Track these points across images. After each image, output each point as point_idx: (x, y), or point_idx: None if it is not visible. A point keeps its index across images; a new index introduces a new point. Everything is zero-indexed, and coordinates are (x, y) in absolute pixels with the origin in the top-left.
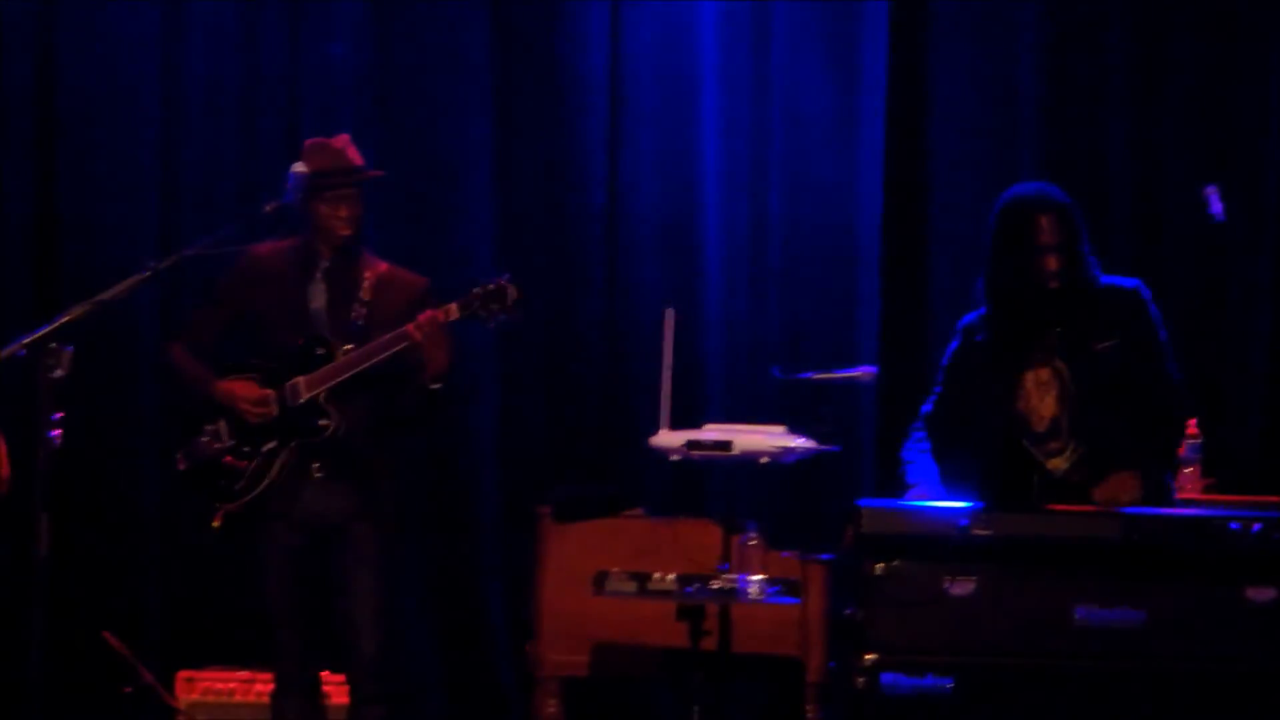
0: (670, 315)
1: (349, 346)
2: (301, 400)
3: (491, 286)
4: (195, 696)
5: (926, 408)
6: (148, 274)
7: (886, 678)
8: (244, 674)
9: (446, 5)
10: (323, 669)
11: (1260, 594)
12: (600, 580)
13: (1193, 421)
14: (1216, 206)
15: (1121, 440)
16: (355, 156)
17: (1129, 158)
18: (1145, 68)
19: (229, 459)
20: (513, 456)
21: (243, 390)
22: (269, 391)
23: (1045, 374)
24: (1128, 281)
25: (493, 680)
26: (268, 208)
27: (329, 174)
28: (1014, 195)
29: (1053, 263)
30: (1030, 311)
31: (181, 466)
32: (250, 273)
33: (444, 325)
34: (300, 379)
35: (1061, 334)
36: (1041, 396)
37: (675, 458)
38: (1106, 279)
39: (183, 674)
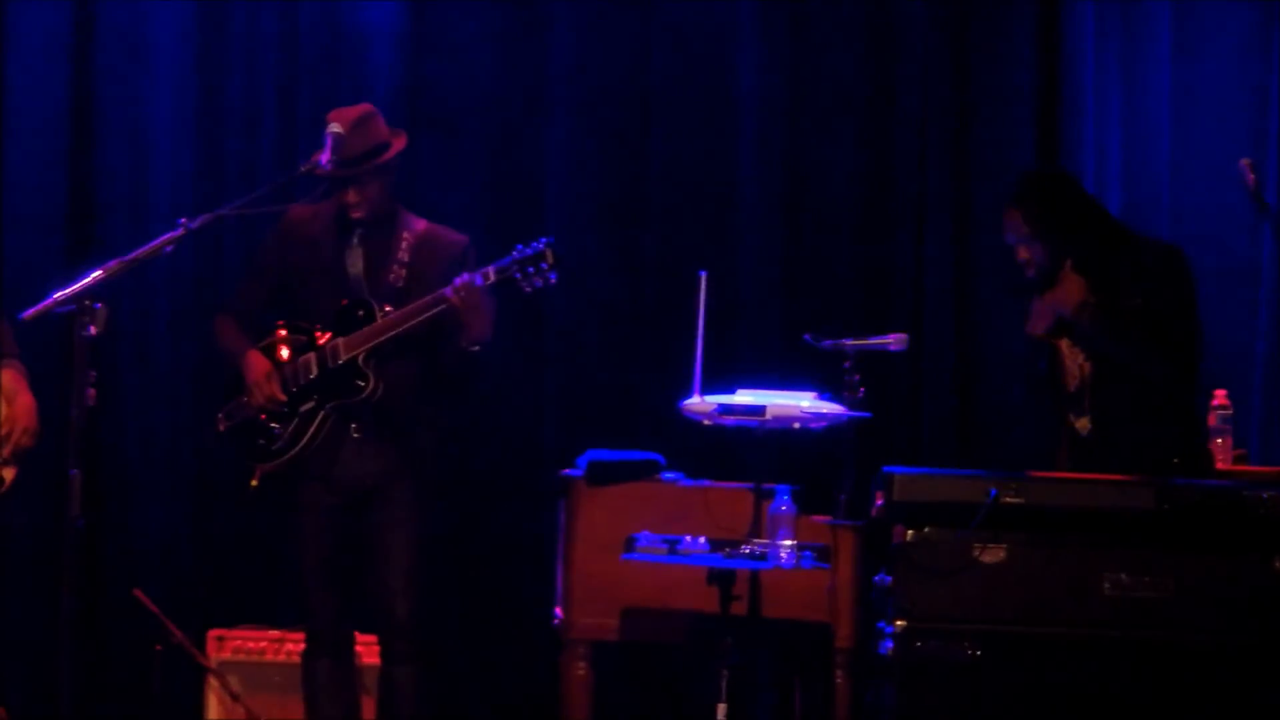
0: (704, 279)
1: (389, 308)
2: (341, 361)
3: (530, 251)
4: (226, 655)
5: None
6: (181, 232)
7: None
8: (275, 633)
9: None
10: (355, 629)
11: None
12: (631, 544)
13: (1222, 392)
14: (1250, 179)
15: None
16: (357, 142)
17: None
18: None
19: (263, 417)
20: (546, 420)
21: (252, 373)
22: (273, 371)
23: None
24: (1165, 245)
25: (522, 643)
26: (303, 168)
27: (324, 164)
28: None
29: (1019, 254)
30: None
31: (221, 428)
32: (288, 237)
33: (482, 289)
34: (340, 340)
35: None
36: (1073, 358)
37: (707, 422)
38: (1148, 240)
39: (214, 632)
